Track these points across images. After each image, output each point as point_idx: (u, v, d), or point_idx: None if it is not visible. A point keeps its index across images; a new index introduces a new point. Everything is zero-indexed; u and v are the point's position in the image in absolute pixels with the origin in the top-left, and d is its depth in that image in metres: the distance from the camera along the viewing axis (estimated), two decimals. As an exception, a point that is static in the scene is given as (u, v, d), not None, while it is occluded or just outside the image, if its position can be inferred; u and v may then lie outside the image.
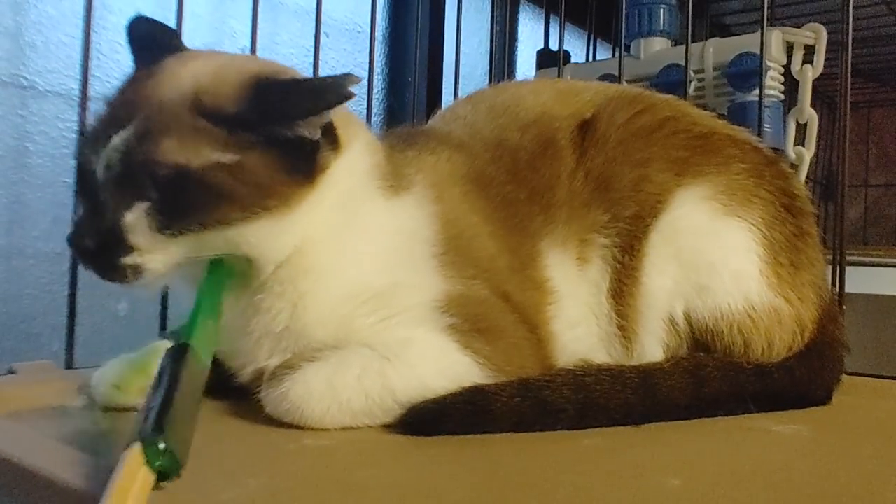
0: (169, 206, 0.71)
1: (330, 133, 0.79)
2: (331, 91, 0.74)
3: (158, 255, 0.72)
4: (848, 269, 1.23)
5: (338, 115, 0.78)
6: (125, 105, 0.75)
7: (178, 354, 0.65)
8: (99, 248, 0.71)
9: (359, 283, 0.80)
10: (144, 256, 0.72)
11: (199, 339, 0.68)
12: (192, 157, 0.71)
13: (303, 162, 0.77)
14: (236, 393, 0.83)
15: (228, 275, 0.77)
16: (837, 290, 1.20)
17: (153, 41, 0.84)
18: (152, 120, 0.72)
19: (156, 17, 0.88)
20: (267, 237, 0.76)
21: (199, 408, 0.65)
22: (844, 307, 1.19)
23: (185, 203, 0.71)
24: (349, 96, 0.73)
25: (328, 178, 0.79)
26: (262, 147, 0.74)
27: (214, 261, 0.76)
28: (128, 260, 0.72)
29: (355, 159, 0.82)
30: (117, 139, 0.71)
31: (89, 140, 0.74)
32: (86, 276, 1.00)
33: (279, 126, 0.74)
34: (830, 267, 1.18)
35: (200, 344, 0.67)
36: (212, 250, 0.75)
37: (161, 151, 0.71)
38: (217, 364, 0.85)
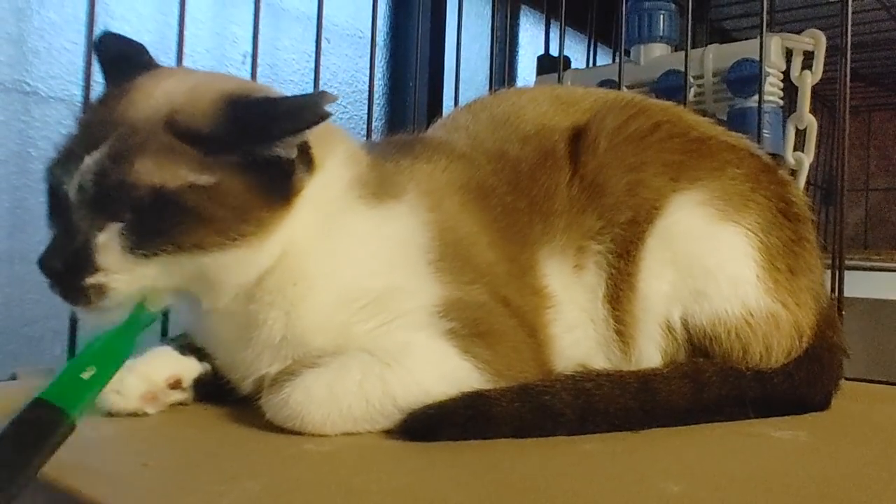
0: (144, 228, 0.70)
1: (304, 152, 0.78)
2: (308, 111, 0.74)
3: (124, 276, 0.71)
4: (848, 273, 1.23)
5: (314, 131, 0.76)
6: (98, 125, 0.74)
7: (29, 410, 0.61)
8: (66, 269, 0.70)
9: (349, 287, 0.80)
10: (109, 276, 0.71)
11: (64, 393, 0.63)
12: (167, 178, 0.70)
13: (278, 183, 0.76)
14: (238, 400, 0.84)
15: (137, 328, 0.74)
16: (837, 294, 1.20)
17: (123, 58, 0.83)
18: (126, 140, 0.71)
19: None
20: (239, 263, 0.75)
21: (40, 465, 0.59)
22: (844, 312, 1.19)
23: (161, 225, 0.71)
24: (325, 116, 0.73)
25: (303, 200, 0.78)
26: (239, 168, 0.73)
27: (131, 318, 0.74)
28: (91, 280, 0.71)
29: (331, 177, 0.82)
30: (90, 160, 0.71)
31: (60, 161, 0.73)
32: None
33: (256, 147, 0.74)
34: (830, 272, 1.18)
35: (65, 397, 0.63)
36: (181, 275, 0.74)
37: (136, 172, 0.70)
38: (218, 375, 0.85)
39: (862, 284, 1.44)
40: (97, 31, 1.13)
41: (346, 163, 0.84)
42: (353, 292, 0.80)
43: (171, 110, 0.74)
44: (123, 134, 0.72)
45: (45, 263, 0.71)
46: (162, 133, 0.72)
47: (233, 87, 0.79)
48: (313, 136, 0.78)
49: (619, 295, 0.91)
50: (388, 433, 0.76)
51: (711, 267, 0.90)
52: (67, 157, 0.73)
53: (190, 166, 0.72)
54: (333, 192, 0.82)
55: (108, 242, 0.71)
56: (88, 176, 0.70)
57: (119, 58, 0.84)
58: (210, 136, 0.73)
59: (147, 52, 0.86)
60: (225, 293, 0.78)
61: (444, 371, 0.78)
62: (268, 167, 0.75)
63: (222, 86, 0.78)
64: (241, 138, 0.73)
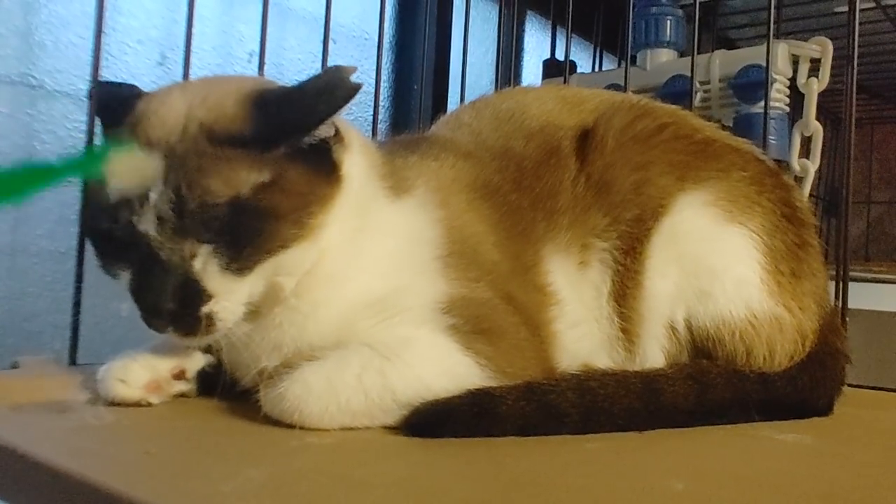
0: (233, 241, 0.71)
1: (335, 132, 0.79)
2: (339, 87, 0.75)
3: (230, 302, 0.73)
4: (850, 284, 1.23)
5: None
6: (134, 164, 0.73)
7: None
8: (179, 305, 0.71)
9: (368, 288, 0.81)
10: (220, 304, 0.72)
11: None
12: (238, 186, 0.71)
13: (325, 162, 0.78)
14: (241, 394, 0.83)
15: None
16: (840, 305, 1.20)
17: (117, 101, 0.81)
18: (181, 164, 0.71)
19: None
20: (310, 252, 0.76)
21: None
22: (846, 322, 1.18)
23: (246, 233, 0.72)
24: (357, 87, 0.74)
25: (345, 175, 0.79)
26: (289, 158, 0.74)
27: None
28: (205, 309, 0.72)
29: (358, 154, 0.83)
30: (155, 194, 0.70)
31: (116, 203, 0.72)
32: (91, 274, 1.01)
33: (302, 135, 0.75)
34: (833, 282, 1.18)
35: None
36: (264, 285, 0.75)
37: (210, 190, 0.70)
38: (221, 367, 0.85)
39: (863, 296, 1.44)
40: (105, 27, 1.13)
41: (362, 147, 0.85)
42: (366, 294, 0.80)
43: (203, 124, 0.73)
44: (173, 161, 0.71)
45: (154, 307, 0.72)
46: (209, 147, 0.72)
47: (238, 86, 0.79)
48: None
49: (624, 292, 0.91)
50: (392, 428, 0.75)
51: (716, 268, 0.90)
52: (123, 197, 0.72)
53: (249, 169, 0.72)
54: (362, 171, 0.83)
55: (205, 266, 0.72)
56: (165, 206, 0.70)
57: (113, 101, 0.82)
58: (253, 137, 0.73)
59: (138, 89, 0.84)
60: (289, 286, 0.78)
61: (444, 366, 0.77)
62: (313, 150, 0.76)
63: (229, 88, 0.78)
64: (284, 131, 0.74)
